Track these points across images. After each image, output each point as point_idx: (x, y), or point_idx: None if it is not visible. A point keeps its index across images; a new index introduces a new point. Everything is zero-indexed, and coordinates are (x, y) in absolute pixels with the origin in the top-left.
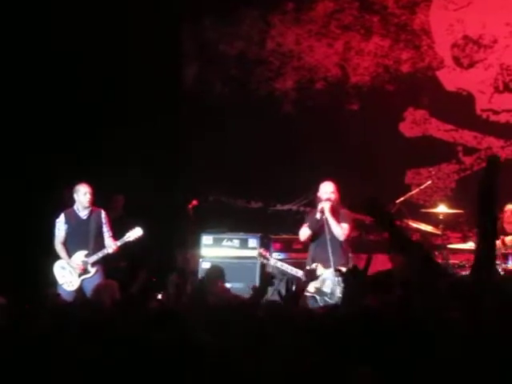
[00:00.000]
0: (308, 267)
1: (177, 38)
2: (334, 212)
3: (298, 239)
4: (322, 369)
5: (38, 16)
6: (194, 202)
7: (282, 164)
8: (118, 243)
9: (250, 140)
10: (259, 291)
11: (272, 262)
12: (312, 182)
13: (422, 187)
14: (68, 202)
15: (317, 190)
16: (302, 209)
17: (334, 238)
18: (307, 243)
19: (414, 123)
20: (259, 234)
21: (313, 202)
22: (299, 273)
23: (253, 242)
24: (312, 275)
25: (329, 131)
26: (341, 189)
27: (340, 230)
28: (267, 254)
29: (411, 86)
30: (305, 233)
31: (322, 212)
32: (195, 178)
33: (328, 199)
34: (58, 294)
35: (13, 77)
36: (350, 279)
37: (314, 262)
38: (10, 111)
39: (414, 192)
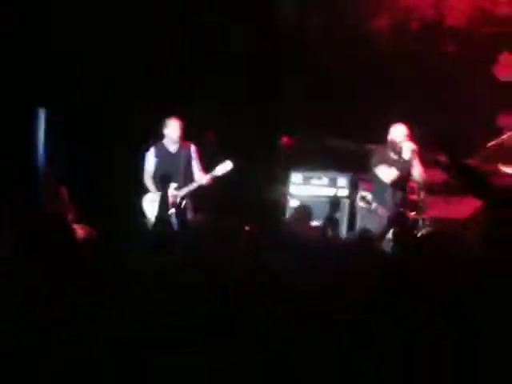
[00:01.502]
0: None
1: None
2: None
3: None
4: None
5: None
6: (286, 139)
7: (375, 103)
8: (208, 176)
9: (343, 78)
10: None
11: (373, 206)
12: (406, 122)
13: None
14: (158, 136)
15: (386, 132)
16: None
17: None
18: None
19: (510, 66)
20: (349, 174)
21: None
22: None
23: (342, 181)
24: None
25: (423, 73)
26: (434, 130)
27: (422, 170)
28: (370, 199)
29: (508, 29)
30: (393, 173)
31: (416, 152)
32: (289, 116)
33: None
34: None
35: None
36: None
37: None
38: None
39: (506, 136)
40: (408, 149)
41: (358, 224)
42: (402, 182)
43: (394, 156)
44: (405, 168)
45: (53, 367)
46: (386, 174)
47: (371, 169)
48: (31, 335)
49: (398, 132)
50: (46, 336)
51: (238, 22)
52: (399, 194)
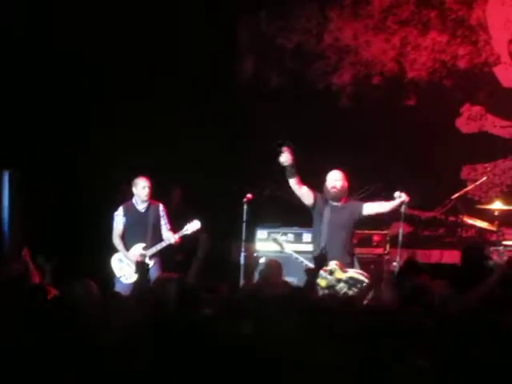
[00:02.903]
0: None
1: (233, 30)
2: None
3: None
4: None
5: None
6: (249, 196)
7: (338, 158)
8: (176, 236)
9: (305, 134)
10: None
11: (287, 251)
12: (369, 175)
13: (477, 183)
14: (127, 196)
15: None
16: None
17: None
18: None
19: (471, 119)
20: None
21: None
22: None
23: (307, 236)
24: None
25: (385, 126)
26: (397, 183)
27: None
28: (283, 243)
29: (468, 82)
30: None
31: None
32: (251, 172)
33: (334, 187)
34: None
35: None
36: None
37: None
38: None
39: (469, 188)
40: (339, 192)
41: None
42: (342, 231)
43: (326, 201)
44: (337, 213)
45: None
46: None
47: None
48: None
49: (331, 177)
50: None
51: (201, 82)
52: (335, 243)
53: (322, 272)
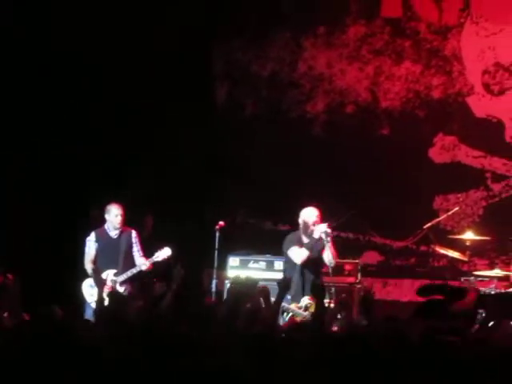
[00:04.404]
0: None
1: (208, 58)
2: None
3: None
4: None
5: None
6: (221, 224)
7: (311, 186)
8: (148, 262)
9: (279, 162)
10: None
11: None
12: (343, 204)
13: (449, 213)
14: (97, 222)
15: (297, 214)
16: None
17: None
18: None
19: (444, 149)
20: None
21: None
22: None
23: (279, 264)
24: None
25: (358, 155)
26: (370, 213)
27: (334, 253)
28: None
29: (441, 112)
30: (304, 254)
31: (329, 235)
32: (223, 199)
33: (316, 222)
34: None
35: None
36: None
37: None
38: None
39: (441, 218)
40: (319, 230)
41: None
42: (314, 265)
43: (305, 239)
44: (316, 250)
45: None
46: (297, 254)
47: (284, 253)
48: None
49: (310, 214)
50: None
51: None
52: (308, 277)
53: (295, 309)
